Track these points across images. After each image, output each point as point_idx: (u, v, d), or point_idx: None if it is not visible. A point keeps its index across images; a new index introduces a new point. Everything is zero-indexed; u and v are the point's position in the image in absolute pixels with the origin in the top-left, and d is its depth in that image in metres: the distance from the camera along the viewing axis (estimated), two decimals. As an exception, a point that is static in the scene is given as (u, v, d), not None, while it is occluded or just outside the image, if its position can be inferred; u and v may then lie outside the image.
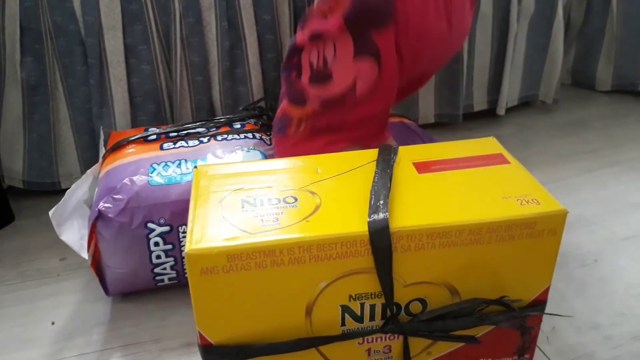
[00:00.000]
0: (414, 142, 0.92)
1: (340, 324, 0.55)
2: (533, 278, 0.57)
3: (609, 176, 1.16)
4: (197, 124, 0.94)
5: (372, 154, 0.63)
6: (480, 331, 0.58)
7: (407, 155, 0.63)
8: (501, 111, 1.37)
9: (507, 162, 0.62)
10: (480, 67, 1.33)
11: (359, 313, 0.55)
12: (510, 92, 1.39)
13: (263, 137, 0.93)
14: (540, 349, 0.72)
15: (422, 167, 0.61)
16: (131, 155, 0.86)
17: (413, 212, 0.54)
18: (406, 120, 1.03)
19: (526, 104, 1.48)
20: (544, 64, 1.41)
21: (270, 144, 0.91)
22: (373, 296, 0.54)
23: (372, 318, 0.56)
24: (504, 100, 1.36)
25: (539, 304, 0.59)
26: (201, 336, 0.53)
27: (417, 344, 0.58)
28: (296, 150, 0.76)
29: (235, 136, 0.91)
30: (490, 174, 0.60)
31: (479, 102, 1.38)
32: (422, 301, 0.56)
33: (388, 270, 0.53)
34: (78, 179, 0.85)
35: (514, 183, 0.58)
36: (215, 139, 0.90)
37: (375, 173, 0.58)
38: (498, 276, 0.56)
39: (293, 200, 0.56)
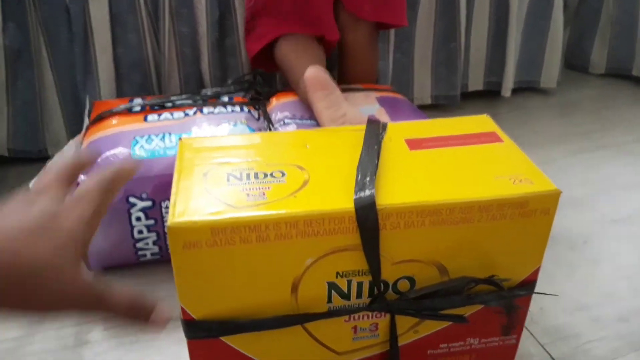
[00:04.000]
0: (406, 118, 0.90)
1: (326, 300, 0.54)
2: (523, 258, 0.56)
3: (599, 159, 1.16)
4: (183, 96, 0.92)
5: (363, 130, 0.61)
6: (468, 310, 0.57)
7: (399, 131, 0.62)
8: (506, 92, 1.35)
9: (501, 140, 0.61)
10: (477, 46, 1.31)
11: (345, 290, 0.54)
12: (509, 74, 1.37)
13: (252, 110, 0.90)
14: (528, 329, 0.71)
15: (414, 143, 0.60)
16: (114, 127, 0.83)
17: (403, 189, 0.52)
18: (399, 96, 1.01)
19: (526, 88, 1.46)
20: (545, 47, 1.38)
21: (259, 119, 0.89)
22: (360, 273, 0.53)
23: (359, 295, 0.55)
24: (509, 81, 1.34)
25: (529, 284, 0.58)
26: (184, 311, 0.52)
27: (404, 322, 0.57)
28: (251, 42, 1.02)
29: (223, 109, 0.89)
30: (483, 153, 0.59)
31: (475, 83, 1.36)
32: (410, 279, 0.55)
33: (375, 248, 0.51)
34: (65, 146, 0.83)
35: (507, 162, 0.57)
36: (202, 112, 0.87)
37: (363, 149, 0.57)
38: (488, 255, 0.55)
39: (280, 175, 0.54)
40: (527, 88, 1.44)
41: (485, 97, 1.40)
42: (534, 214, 0.53)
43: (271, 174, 0.54)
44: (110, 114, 0.87)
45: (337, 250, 0.51)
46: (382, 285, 0.54)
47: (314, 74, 0.82)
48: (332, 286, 0.54)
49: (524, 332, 0.71)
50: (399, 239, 0.52)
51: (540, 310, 0.75)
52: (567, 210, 0.96)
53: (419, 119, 0.91)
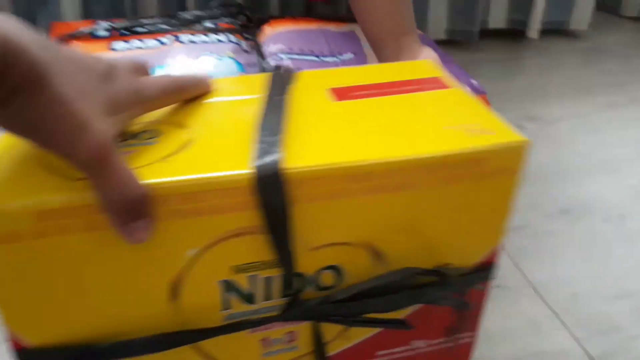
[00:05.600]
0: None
1: (221, 307, 0.40)
2: (482, 235, 0.43)
3: (634, 113, 1.02)
4: (158, 20, 0.77)
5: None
6: (410, 308, 0.45)
7: (321, 79, 0.46)
8: (533, 34, 1.20)
9: (446, 86, 0.46)
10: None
11: (247, 290, 0.40)
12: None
13: (240, 41, 0.75)
14: (560, 319, 0.61)
15: (340, 93, 0.45)
16: (71, 53, 0.69)
17: (321, 149, 0.38)
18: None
19: (554, 31, 1.31)
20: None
21: (249, 51, 0.74)
22: (267, 265, 0.39)
23: (267, 297, 0.40)
24: (536, 22, 1.18)
25: (487, 267, 0.45)
26: (14, 337, 0.37)
27: (330, 327, 0.44)
28: None
29: (205, 38, 0.74)
30: (427, 100, 0.44)
31: (497, 19, 1.20)
32: (336, 270, 0.41)
33: (284, 230, 0.37)
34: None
35: (457, 110, 0.43)
36: (179, 40, 0.72)
37: (267, 101, 0.42)
38: (437, 233, 0.42)
39: (150, 137, 0.38)
40: (553, 30, 1.28)
41: (507, 37, 1.25)
42: (494, 175, 0.40)
43: (137, 136, 0.38)
44: (70, 37, 0.72)
45: (231, 236, 0.37)
46: (297, 280, 0.40)
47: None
48: (227, 286, 0.39)
49: (556, 324, 0.60)
50: (317, 215, 0.38)
51: (573, 296, 0.64)
52: (600, 175, 0.84)
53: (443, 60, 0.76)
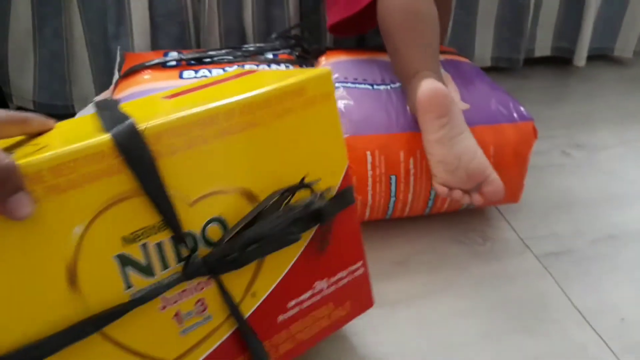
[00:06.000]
0: (474, 85, 0.79)
1: (124, 286, 0.41)
2: (329, 157, 0.51)
3: (684, 142, 1.02)
4: (224, 51, 0.82)
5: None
6: (297, 250, 0.50)
7: (153, 97, 0.54)
8: (580, 61, 1.21)
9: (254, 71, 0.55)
10: (549, 5, 1.17)
11: (143, 261, 0.41)
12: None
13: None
14: (607, 345, 0.62)
15: (169, 97, 0.52)
16: (146, 82, 0.75)
17: (165, 113, 0.42)
18: (464, 59, 0.89)
19: (600, 56, 1.31)
20: (624, 11, 1.22)
21: (306, 80, 0.79)
22: (154, 230, 0.41)
23: (165, 265, 0.43)
24: (583, 50, 1.19)
25: (346, 191, 0.52)
26: None
27: (235, 285, 0.47)
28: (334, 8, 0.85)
29: (266, 67, 0.79)
30: (247, 79, 0.53)
31: (542, 47, 1.22)
32: (220, 221, 0.45)
33: (158, 184, 0.40)
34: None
35: (272, 76, 0.52)
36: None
37: (102, 112, 0.46)
38: (292, 164, 0.48)
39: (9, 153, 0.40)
40: (598, 57, 1.29)
41: (553, 64, 1.26)
42: (316, 102, 0.49)
43: None
44: (143, 67, 0.79)
45: (112, 203, 0.39)
46: (189, 240, 0.43)
47: (431, 94, 0.65)
48: (123, 260, 0.40)
49: (603, 349, 0.61)
50: (184, 165, 0.42)
51: (621, 322, 0.65)
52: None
53: (487, 87, 0.79)
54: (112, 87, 0.79)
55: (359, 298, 0.58)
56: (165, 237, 0.42)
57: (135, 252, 0.41)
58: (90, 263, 0.39)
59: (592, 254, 0.75)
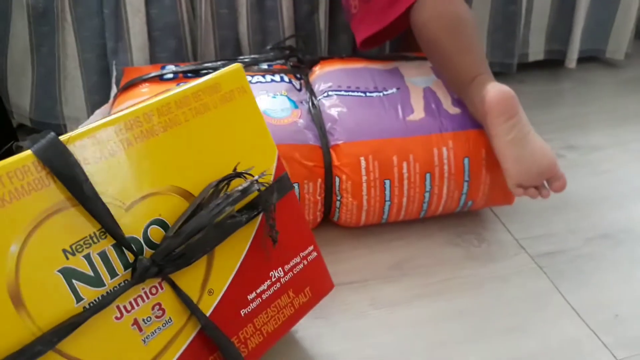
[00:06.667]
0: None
1: (74, 300, 0.40)
2: (257, 148, 0.53)
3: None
4: (219, 62, 0.84)
5: None
6: (244, 242, 0.52)
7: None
8: (571, 64, 1.22)
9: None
10: (540, 10, 1.18)
11: (90, 272, 0.41)
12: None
13: (293, 80, 0.82)
14: (601, 340, 0.63)
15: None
16: (144, 95, 0.77)
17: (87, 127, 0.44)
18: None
19: (591, 58, 1.33)
20: (615, 13, 1.24)
21: (301, 89, 0.81)
22: (95, 239, 0.41)
23: (113, 274, 0.43)
24: (574, 52, 1.21)
25: (282, 178, 0.55)
26: None
27: (189, 286, 0.47)
28: (363, 25, 0.84)
29: (261, 78, 0.81)
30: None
31: (536, 52, 1.24)
32: (160, 222, 0.46)
33: (90, 190, 0.40)
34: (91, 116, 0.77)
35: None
36: (239, 81, 0.80)
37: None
38: (221, 157, 0.50)
39: None
40: (590, 59, 1.30)
41: (545, 68, 1.28)
42: (233, 96, 0.51)
43: None
44: (141, 80, 0.80)
45: (45, 217, 0.39)
46: (132, 245, 0.44)
47: (501, 97, 0.67)
48: (68, 274, 0.40)
49: (597, 344, 0.62)
50: (112, 171, 0.43)
51: (615, 318, 0.66)
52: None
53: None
54: (111, 100, 0.80)
55: (317, 282, 0.59)
56: (107, 244, 0.42)
57: (79, 264, 0.41)
58: (33, 281, 0.38)
59: (586, 252, 0.76)
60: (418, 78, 0.82)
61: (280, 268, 0.55)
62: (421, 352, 0.62)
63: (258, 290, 0.53)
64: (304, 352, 0.62)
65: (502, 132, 0.68)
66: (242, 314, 0.52)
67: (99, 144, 0.43)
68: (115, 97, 0.80)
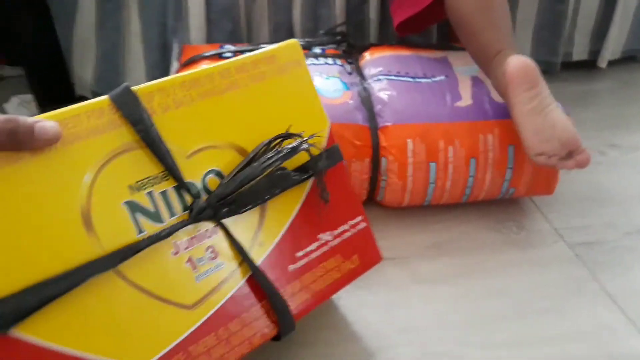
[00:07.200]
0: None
1: (135, 230, 0.45)
2: (308, 117, 0.57)
3: None
4: (275, 45, 0.88)
5: None
6: (294, 203, 0.55)
7: None
8: (602, 63, 1.23)
9: None
10: (587, 9, 1.19)
11: (151, 207, 0.46)
12: (615, 44, 1.24)
13: (344, 64, 0.86)
14: (636, 326, 0.65)
15: None
16: (205, 70, 0.81)
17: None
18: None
19: (632, 58, 1.33)
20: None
21: (352, 73, 0.84)
22: (158, 179, 0.46)
23: (172, 213, 0.47)
24: (607, 51, 1.22)
25: (332, 149, 0.58)
26: None
27: (241, 235, 0.51)
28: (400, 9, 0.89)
29: (314, 60, 0.85)
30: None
31: (580, 51, 1.24)
32: (217, 173, 0.50)
33: (156, 136, 0.46)
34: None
35: None
36: (294, 62, 0.83)
37: None
38: (275, 121, 0.54)
39: None
40: (631, 59, 1.31)
41: (587, 67, 1.28)
42: (288, 68, 0.55)
43: None
44: (201, 58, 0.85)
45: (116, 154, 0.44)
46: (190, 188, 0.48)
47: (521, 67, 0.69)
48: (132, 207, 0.45)
49: (631, 330, 0.64)
50: (177, 122, 0.48)
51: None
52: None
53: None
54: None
55: (365, 251, 0.61)
56: (168, 186, 0.47)
57: (142, 199, 0.46)
58: (102, 209, 0.43)
59: (624, 245, 0.77)
60: (466, 67, 0.84)
61: (328, 232, 0.58)
62: (458, 325, 0.64)
63: (306, 250, 0.56)
64: (344, 318, 0.65)
65: (523, 100, 0.70)
66: (290, 269, 0.54)
67: (166, 96, 0.48)
68: (177, 72, 0.84)
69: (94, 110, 0.44)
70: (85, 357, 0.42)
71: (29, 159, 0.41)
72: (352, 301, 0.67)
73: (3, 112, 1.05)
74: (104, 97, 0.45)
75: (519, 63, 0.70)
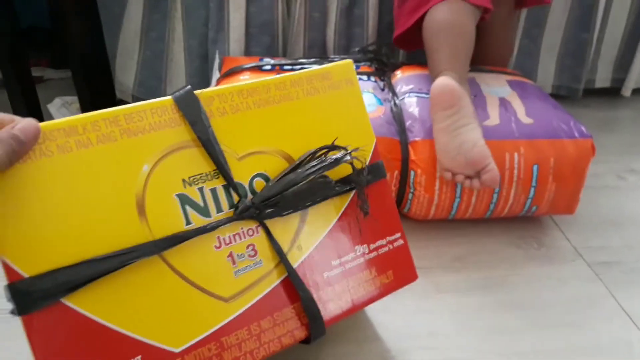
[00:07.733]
0: (538, 105, 0.86)
1: (184, 221, 0.49)
2: (357, 133, 0.59)
3: None
4: (312, 60, 0.93)
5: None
6: (336, 210, 0.58)
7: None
8: (627, 92, 1.26)
9: None
10: (611, 39, 1.23)
11: (201, 202, 0.50)
12: (639, 73, 1.27)
13: (377, 81, 0.90)
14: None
15: None
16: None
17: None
18: (529, 81, 0.96)
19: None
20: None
21: (384, 89, 0.88)
22: (209, 177, 0.50)
23: (219, 209, 0.51)
24: (631, 80, 1.25)
25: (376, 165, 0.60)
26: (8, 269, 0.41)
27: (281, 237, 0.54)
28: (403, 16, 0.94)
29: (350, 76, 0.89)
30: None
31: (603, 78, 1.28)
32: (264, 176, 0.54)
33: (211, 137, 0.50)
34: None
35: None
36: (330, 77, 0.88)
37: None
38: (322, 135, 0.57)
39: None
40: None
41: (610, 94, 1.31)
42: (341, 85, 0.58)
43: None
44: (242, 69, 0.89)
45: (174, 150, 0.49)
46: (238, 188, 0.51)
47: (440, 88, 0.75)
48: (183, 199, 0.49)
49: (647, 345, 0.66)
50: (232, 125, 0.52)
51: None
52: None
53: (549, 106, 0.86)
54: (213, 85, 0.90)
55: (401, 269, 0.62)
56: (218, 184, 0.51)
57: (193, 193, 0.49)
58: (156, 198, 0.47)
59: (642, 266, 0.80)
60: (495, 88, 0.88)
61: (365, 245, 0.60)
62: (479, 334, 0.67)
63: (343, 259, 0.58)
64: (368, 320, 0.69)
65: (438, 119, 0.76)
66: (325, 276, 0.57)
67: (224, 102, 0.52)
68: (217, 82, 0.89)
69: (158, 107, 0.49)
70: (123, 333, 0.45)
71: (96, 145, 0.46)
72: (377, 305, 0.70)
73: (47, 112, 1.11)
74: (168, 97, 0.50)
75: (439, 84, 0.75)
